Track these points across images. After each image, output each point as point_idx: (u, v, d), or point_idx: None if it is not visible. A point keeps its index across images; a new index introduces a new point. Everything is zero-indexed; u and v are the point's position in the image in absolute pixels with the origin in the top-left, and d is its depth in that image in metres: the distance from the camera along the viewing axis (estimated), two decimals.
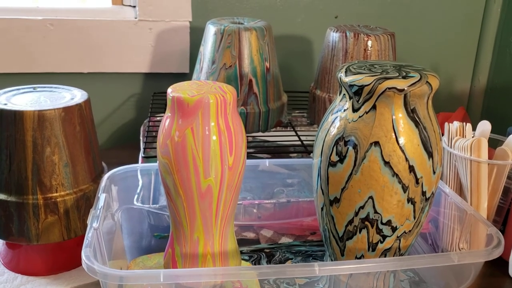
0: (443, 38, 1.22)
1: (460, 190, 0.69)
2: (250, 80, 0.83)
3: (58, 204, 0.60)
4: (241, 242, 0.73)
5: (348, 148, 0.52)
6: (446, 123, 0.69)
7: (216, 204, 0.53)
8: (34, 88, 0.67)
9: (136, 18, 1.05)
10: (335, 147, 0.53)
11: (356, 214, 0.53)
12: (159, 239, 0.71)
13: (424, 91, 0.50)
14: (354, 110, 0.52)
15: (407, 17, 1.16)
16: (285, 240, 0.73)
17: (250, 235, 0.74)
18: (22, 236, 0.60)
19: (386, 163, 0.50)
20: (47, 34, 1.01)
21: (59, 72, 1.05)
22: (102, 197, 0.58)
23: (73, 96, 0.63)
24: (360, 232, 0.54)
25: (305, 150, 0.85)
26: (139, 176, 0.72)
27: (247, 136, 0.90)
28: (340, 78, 0.53)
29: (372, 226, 0.53)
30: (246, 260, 0.67)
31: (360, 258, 0.55)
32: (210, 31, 0.84)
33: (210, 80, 0.83)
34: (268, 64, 0.84)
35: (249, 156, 0.95)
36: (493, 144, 0.72)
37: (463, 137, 0.68)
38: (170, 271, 0.49)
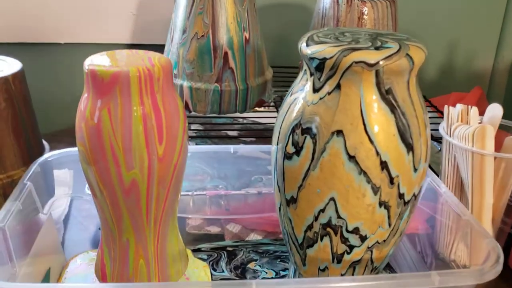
0: (462, 7, 1.08)
1: (461, 188, 0.58)
2: (226, 53, 0.72)
3: None
4: (204, 237, 0.64)
5: (305, 137, 0.41)
6: (445, 106, 0.57)
7: (146, 202, 0.43)
8: None
9: None
10: (291, 136, 0.42)
11: (316, 218, 0.43)
12: None
13: (403, 66, 0.39)
14: (315, 90, 0.41)
15: None
16: (253, 237, 0.63)
17: (215, 229, 0.65)
18: None
19: (351, 158, 0.40)
20: None
21: (31, 43, 0.97)
22: (25, 186, 0.50)
23: (2, 68, 0.54)
24: (321, 240, 0.44)
25: None
26: None
27: (225, 117, 0.80)
28: (300, 49, 0.42)
29: (336, 234, 0.43)
30: (204, 260, 0.58)
31: (324, 270, 0.46)
32: None
33: (179, 52, 0.73)
34: (247, 34, 0.73)
35: (233, 139, 0.86)
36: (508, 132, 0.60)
37: (466, 123, 0.56)
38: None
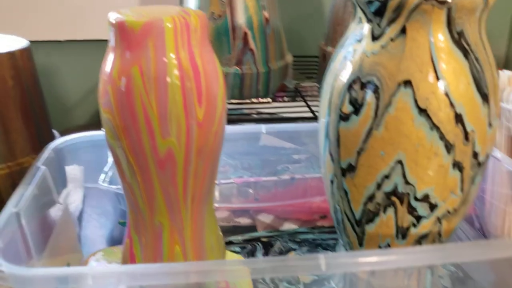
0: None
1: None
2: (245, 34, 0.67)
3: None
4: (234, 230, 0.58)
5: (366, 92, 0.36)
6: None
7: (182, 176, 0.38)
8: None
9: None
10: (348, 94, 0.37)
11: (379, 186, 0.37)
12: (125, 227, 0.56)
13: (477, 3, 0.34)
14: (375, 38, 0.36)
15: None
16: (288, 226, 0.58)
17: (245, 221, 0.59)
18: None
19: (422, 111, 0.35)
20: None
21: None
22: (39, 170, 0.44)
23: (7, 43, 0.49)
24: (384, 212, 0.38)
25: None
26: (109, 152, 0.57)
27: (243, 103, 0.75)
28: None
29: (402, 203, 0.37)
30: (238, 252, 0.53)
31: (385, 248, 0.40)
32: None
33: None
34: (267, 14, 0.69)
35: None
36: None
37: None
38: (101, 270, 0.34)
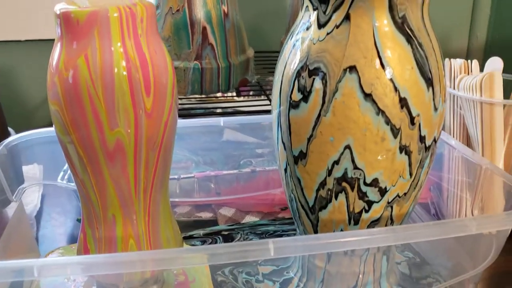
0: None
1: (467, 143, 0.54)
2: (204, 28, 0.67)
3: None
4: (195, 224, 0.58)
5: (313, 79, 0.36)
6: (446, 59, 0.54)
7: (133, 167, 0.37)
8: None
9: None
10: (296, 81, 0.38)
11: (329, 172, 0.38)
12: None
13: None
14: (321, 25, 0.37)
15: None
16: (249, 219, 0.58)
17: (207, 215, 0.59)
18: None
19: (367, 96, 0.35)
20: None
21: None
22: None
23: None
24: (336, 198, 0.39)
25: None
26: None
27: (205, 101, 0.75)
28: None
29: (352, 189, 0.38)
30: (197, 245, 0.52)
31: None
32: None
33: None
34: (225, 8, 0.69)
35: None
36: (506, 86, 0.57)
37: (468, 75, 0.53)
38: (48, 260, 0.34)
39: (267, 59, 0.89)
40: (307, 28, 0.38)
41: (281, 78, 0.40)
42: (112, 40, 0.34)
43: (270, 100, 0.74)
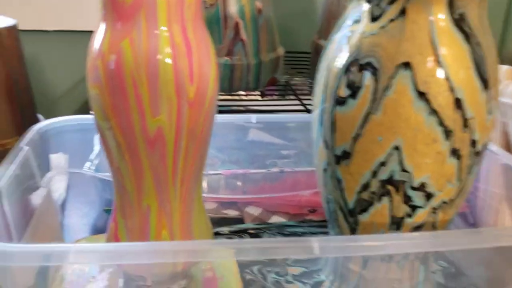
0: None
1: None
2: (237, 23, 0.66)
3: None
4: (221, 221, 0.57)
5: (364, 74, 0.35)
6: None
7: (172, 156, 0.36)
8: None
9: None
10: (345, 76, 0.36)
11: (374, 174, 0.36)
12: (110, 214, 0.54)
13: None
14: (374, 18, 0.35)
15: None
16: (276, 219, 0.56)
17: (233, 213, 0.57)
18: None
19: (421, 95, 0.34)
20: None
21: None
22: (22, 150, 0.42)
23: None
24: (379, 201, 0.37)
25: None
26: (96, 139, 0.55)
27: (232, 95, 0.74)
28: None
29: (398, 192, 0.36)
30: None
31: None
32: None
33: None
34: (260, 4, 0.67)
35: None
36: None
37: None
38: (84, 247, 0.32)
39: (296, 60, 0.87)
40: (357, 21, 0.36)
41: (326, 73, 0.38)
42: (158, 23, 0.33)
43: (300, 100, 0.72)
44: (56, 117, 0.49)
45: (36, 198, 0.44)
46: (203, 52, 0.35)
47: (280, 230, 0.54)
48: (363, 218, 0.39)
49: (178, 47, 0.34)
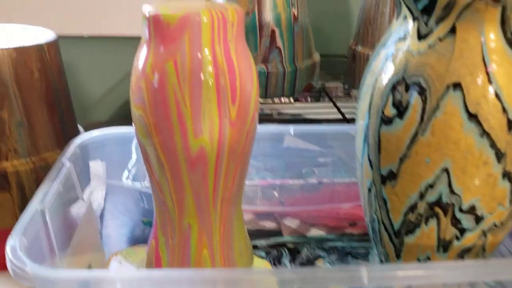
0: None
1: None
2: (273, 31, 0.65)
3: (8, 176, 0.44)
4: (257, 233, 0.56)
5: (411, 94, 0.34)
6: None
7: (213, 176, 0.36)
8: None
9: None
10: (391, 95, 0.35)
11: (422, 196, 0.35)
12: (149, 227, 0.55)
13: None
14: (421, 36, 0.34)
15: None
16: (315, 232, 0.56)
17: (270, 225, 0.57)
18: None
19: (472, 117, 0.32)
20: None
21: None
22: (64, 167, 0.43)
23: (36, 36, 0.48)
24: (426, 224, 0.36)
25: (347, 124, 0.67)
26: (133, 147, 0.56)
27: (266, 104, 0.73)
28: None
29: (446, 215, 0.35)
30: (262, 257, 0.51)
31: (424, 261, 0.38)
32: None
33: None
34: (295, 11, 0.67)
35: None
36: None
37: None
38: (130, 274, 0.32)
39: (330, 64, 0.86)
40: (402, 39, 0.35)
41: (371, 90, 0.37)
42: (202, 44, 0.33)
43: (336, 107, 0.71)
44: (95, 129, 0.50)
45: (77, 211, 0.45)
46: (245, 71, 0.35)
47: (320, 244, 0.53)
48: (409, 239, 0.37)
49: (221, 68, 0.33)
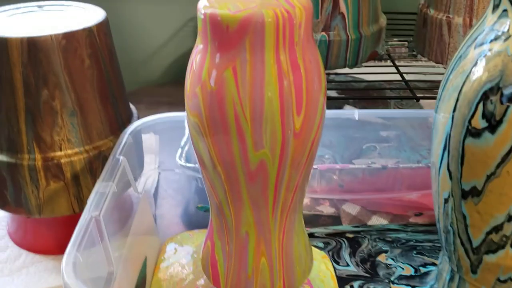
0: None
1: None
2: None
3: (62, 166, 0.43)
4: (315, 219, 0.54)
5: (508, 107, 0.29)
6: None
7: (274, 189, 0.33)
8: (40, 6, 0.49)
9: None
10: (482, 104, 0.30)
11: (510, 218, 0.31)
12: (203, 212, 0.54)
13: None
14: None
15: None
16: (376, 220, 0.53)
17: (328, 210, 0.54)
18: (20, 207, 0.45)
19: None
20: None
21: None
22: (118, 163, 0.41)
23: (84, 17, 0.45)
24: (511, 246, 0.32)
25: (410, 92, 0.62)
26: (187, 126, 0.54)
27: (327, 74, 0.68)
28: None
29: None
30: (320, 248, 0.49)
31: (505, 281, 0.34)
32: None
33: None
34: None
35: (331, 100, 0.74)
36: None
37: None
38: None
39: (396, 23, 0.79)
40: (500, 38, 0.30)
41: (457, 94, 0.32)
42: (265, 50, 0.29)
43: (398, 71, 0.66)
44: (148, 116, 0.48)
45: (132, 206, 0.44)
46: (313, 79, 0.31)
47: (381, 236, 0.50)
48: (489, 258, 0.34)
49: (285, 76, 0.29)
